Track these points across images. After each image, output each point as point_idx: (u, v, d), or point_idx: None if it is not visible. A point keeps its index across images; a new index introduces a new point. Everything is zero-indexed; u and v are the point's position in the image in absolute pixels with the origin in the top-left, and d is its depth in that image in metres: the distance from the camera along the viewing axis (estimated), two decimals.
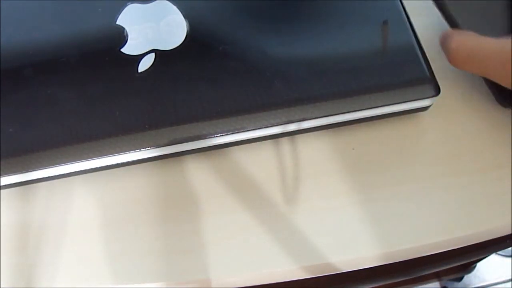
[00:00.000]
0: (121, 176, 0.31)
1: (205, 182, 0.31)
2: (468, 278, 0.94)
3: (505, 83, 0.27)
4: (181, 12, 0.32)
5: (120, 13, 0.32)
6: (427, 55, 0.32)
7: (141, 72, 0.30)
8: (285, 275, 0.29)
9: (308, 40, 0.32)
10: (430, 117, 0.34)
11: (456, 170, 0.32)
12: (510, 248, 0.94)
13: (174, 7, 0.32)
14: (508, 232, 0.31)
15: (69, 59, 0.31)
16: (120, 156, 0.29)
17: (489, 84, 0.34)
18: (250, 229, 0.30)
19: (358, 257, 0.29)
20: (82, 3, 0.33)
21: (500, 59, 0.26)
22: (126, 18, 0.32)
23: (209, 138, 0.30)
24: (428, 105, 0.32)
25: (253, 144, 0.32)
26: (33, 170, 0.29)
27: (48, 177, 0.30)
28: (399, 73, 0.31)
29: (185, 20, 0.32)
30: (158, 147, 0.29)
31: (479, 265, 0.93)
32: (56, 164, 0.29)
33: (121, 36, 0.31)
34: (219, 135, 0.30)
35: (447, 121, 0.34)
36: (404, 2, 0.34)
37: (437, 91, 0.31)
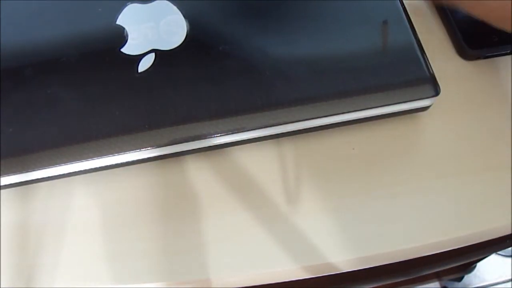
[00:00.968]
0: (121, 176, 0.31)
1: (205, 182, 0.31)
2: (468, 278, 0.94)
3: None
4: (181, 12, 0.32)
5: (120, 13, 0.32)
6: (427, 55, 0.32)
7: (141, 72, 0.30)
8: (285, 275, 0.29)
9: (308, 40, 0.32)
10: (430, 117, 0.34)
11: (456, 170, 0.32)
12: (510, 248, 0.94)
13: (174, 7, 0.32)
14: (508, 232, 0.31)
15: (69, 59, 0.31)
16: (120, 156, 0.29)
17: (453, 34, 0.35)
18: (250, 229, 0.30)
19: (358, 257, 0.29)
20: (82, 3, 0.32)
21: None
22: (126, 18, 0.32)
23: (209, 138, 0.30)
24: (428, 105, 0.32)
25: (253, 144, 0.32)
26: (33, 170, 0.29)
27: (48, 177, 0.30)
28: (399, 73, 0.31)
29: (185, 20, 0.32)
30: (158, 147, 0.29)
31: (479, 265, 0.93)
32: (56, 164, 0.29)
33: (121, 36, 0.31)
34: (219, 135, 0.30)
35: (447, 121, 0.34)
36: (405, 2, 0.34)
37: (437, 91, 0.31)
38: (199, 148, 0.31)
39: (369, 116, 0.32)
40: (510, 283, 0.96)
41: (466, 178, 0.32)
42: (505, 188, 0.31)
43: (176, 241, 0.30)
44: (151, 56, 0.31)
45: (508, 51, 0.36)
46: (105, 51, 0.31)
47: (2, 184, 0.29)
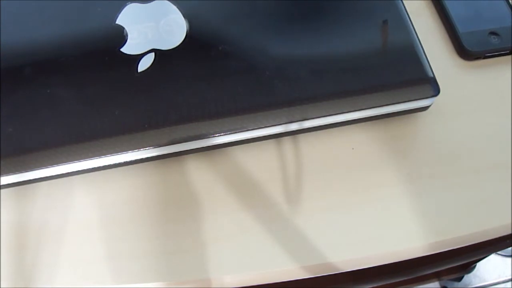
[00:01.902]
0: (121, 176, 0.31)
1: (205, 182, 0.31)
2: (468, 278, 0.94)
3: None
4: (181, 12, 0.32)
5: (119, 12, 0.32)
6: (427, 55, 0.32)
7: (141, 72, 0.30)
8: (285, 275, 0.29)
9: (308, 40, 0.32)
10: (430, 117, 0.34)
11: (455, 170, 0.32)
12: (510, 248, 0.94)
13: (174, 7, 0.32)
14: (508, 232, 0.31)
15: (69, 59, 0.31)
16: (120, 155, 0.29)
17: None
18: (250, 229, 0.30)
19: (358, 257, 0.29)
20: (82, 3, 0.32)
21: None
22: (126, 18, 0.32)
23: (209, 138, 0.30)
24: (427, 105, 0.32)
25: (253, 144, 0.32)
26: (33, 170, 0.29)
27: (48, 176, 0.30)
28: (399, 73, 0.31)
29: (185, 20, 0.32)
30: (158, 147, 0.29)
31: (479, 265, 0.93)
32: (56, 164, 0.29)
33: (120, 36, 0.31)
34: (219, 135, 0.30)
35: (447, 121, 0.34)
36: (405, 2, 0.34)
37: (437, 91, 0.31)
38: (199, 148, 0.31)
39: (369, 116, 0.32)
40: (510, 283, 0.96)
41: (466, 178, 0.32)
42: (505, 188, 0.31)
43: (176, 241, 0.29)
44: (151, 56, 0.31)
45: (508, 51, 0.36)
46: (105, 50, 0.31)
47: (2, 184, 0.29)
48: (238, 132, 0.30)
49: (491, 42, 0.36)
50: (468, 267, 0.79)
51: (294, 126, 0.31)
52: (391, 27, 0.32)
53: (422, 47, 0.32)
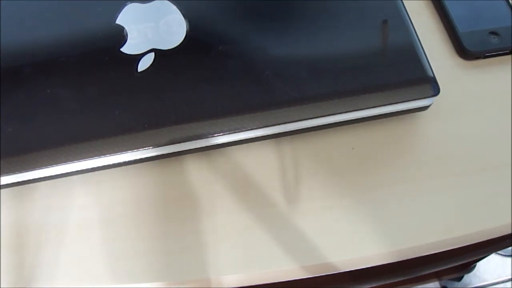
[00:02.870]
0: (121, 176, 0.31)
1: (205, 182, 0.31)
2: (468, 277, 0.94)
3: None
4: (181, 12, 0.32)
5: (119, 12, 0.32)
6: (427, 55, 0.32)
7: (141, 72, 0.30)
8: (285, 275, 0.29)
9: (308, 39, 0.32)
10: (430, 117, 0.34)
11: (456, 170, 0.32)
12: (510, 248, 0.94)
13: (174, 7, 0.32)
14: (508, 232, 0.31)
15: (69, 59, 0.31)
16: (120, 155, 0.29)
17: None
18: (250, 229, 0.30)
19: (358, 257, 0.29)
20: (82, 3, 0.32)
21: None
22: (126, 18, 0.32)
23: (209, 138, 0.30)
24: (427, 104, 0.32)
25: (252, 144, 0.32)
26: (33, 170, 0.29)
27: (48, 176, 0.30)
28: (399, 72, 0.31)
29: (185, 20, 0.32)
30: (158, 146, 0.29)
31: (479, 264, 0.93)
32: (56, 163, 0.29)
33: (120, 36, 0.31)
34: (218, 135, 0.30)
35: (447, 120, 0.34)
36: (405, 2, 0.34)
37: (437, 91, 0.31)
38: (198, 148, 0.31)
39: (369, 116, 0.32)
40: (510, 282, 0.96)
41: (466, 178, 0.32)
42: (505, 188, 0.31)
43: (176, 241, 0.29)
44: (151, 56, 0.31)
45: (508, 51, 0.36)
46: (105, 50, 0.31)
47: (2, 184, 0.29)
48: (238, 132, 0.30)
49: (491, 42, 0.36)
50: (468, 267, 0.79)
51: (293, 126, 0.31)
52: (391, 27, 0.32)
53: (422, 47, 0.32)
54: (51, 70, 0.30)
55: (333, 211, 0.30)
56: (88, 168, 0.30)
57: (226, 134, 0.30)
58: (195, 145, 0.30)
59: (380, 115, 0.32)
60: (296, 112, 0.30)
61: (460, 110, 0.34)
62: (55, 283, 0.28)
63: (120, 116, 0.29)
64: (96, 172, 0.31)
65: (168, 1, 0.33)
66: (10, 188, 0.31)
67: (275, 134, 0.31)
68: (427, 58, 0.32)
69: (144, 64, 0.31)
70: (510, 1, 0.38)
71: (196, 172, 0.32)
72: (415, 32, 0.32)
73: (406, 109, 0.32)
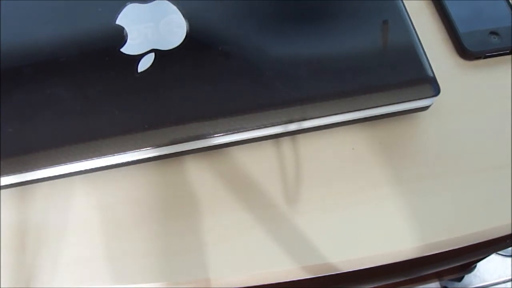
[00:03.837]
0: (121, 176, 0.31)
1: (205, 182, 0.31)
2: (468, 278, 0.94)
3: None
4: (181, 12, 0.32)
5: (119, 13, 0.32)
6: (427, 55, 0.32)
7: (141, 72, 0.30)
8: (285, 275, 0.29)
9: (308, 40, 0.32)
10: (430, 117, 0.34)
11: (455, 170, 0.32)
12: (510, 248, 0.94)
13: (174, 7, 0.32)
14: (508, 232, 0.31)
15: (69, 59, 0.31)
16: (120, 156, 0.29)
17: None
18: (250, 229, 0.30)
19: (358, 257, 0.29)
20: (82, 3, 0.32)
21: None
22: (126, 18, 0.32)
23: (209, 138, 0.30)
24: (428, 105, 0.32)
25: (253, 144, 0.32)
26: (33, 170, 0.29)
27: (48, 177, 0.30)
28: (399, 73, 0.31)
29: (185, 20, 0.32)
30: (158, 147, 0.29)
31: (479, 265, 0.93)
32: (56, 164, 0.29)
33: (120, 36, 0.31)
34: (219, 135, 0.30)
35: (447, 121, 0.34)
36: (405, 2, 0.34)
37: (437, 91, 0.31)
38: (199, 148, 0.31)
39: (369, 116, 0.32)
40: (510, 283, 0.96)
41: (466, 178, 0.32)
42: (505, 188, 0.31)
43: (176, 241, 0.29)
44: (151, 56, 0.31)
45: (508, 51, 0.36)
46: (105, 51, 0.31)
47: (2, 184, 0.29)
48: (238, 132, 0.30)
49: (491, 42, 0.36)
50: (469, 267, 0.79)
51: (294, 126, 0.31)
52: (391, 27, 0.32)
53: (422, 47, 0.32)
54: (51, 70, 0.30)
55: (333, 211, 0.30)
56: (88, 169, 0.30)
57: (226, 134, 0.30)
58: (195, 146, 0.30)
59: (381, 115, 0.32)
60: (296, 112, 0.30)
61: (460, 110, 0.34)
62: (55, 283, 0.28)
63: (120, 117, 0.29)
64: (96, 173, 0.31)
65: (168, 1, 0.33)
66: (10, 188, 0.31)
67: (275, 134, 0.31)
68: (427, 58, 0.32)
69: (144, 65, 0.31)
70: (510, 1, 0.38)
71: (196, 172, 0.32)
72: (415, 32, 0.32)
73: (407, 109, 0.32)
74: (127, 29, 0.32)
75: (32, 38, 0.31)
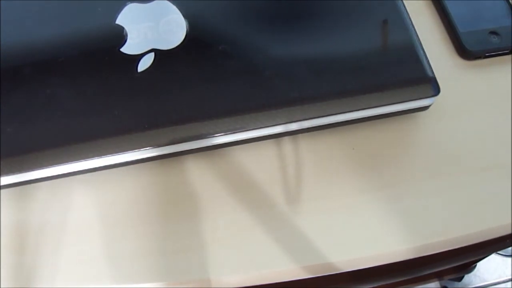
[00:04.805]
0: (121, 176, 0.31)
1: (205, 182, 0.31)
2: (468, 277, 0.94)
3: None
4: (181, 12, 0.32)
5: (119, 12, 0.32)
6: (427, 55, 0.32)
7: (141, 72, 0.30)
8: (285, 275, 0.29)
9: (308, 39, 0.32)
10: (430, 117, 0.34)
11: (455, 170, 0.32)
12: (510, 248, 0.94)
13: (174, 7, 0.32)
14: (508, 232, 0.31)
15: (69, 59, 0.31)
16: (120, 156, 0.29)
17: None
18: (250, 229, 0.30)
19: (358, 257, 0.29)
20: (82, 3, 0.32)
21: None
22: (126, 18, 0.32)
23: (209, 138, 0.30)
24: (428, 104, 0.32)
25: (253, 144, 0.32)
26: (33, 170, 0.29)
27: (48, 177, 0.30)
28: (399, 72, 0.31)
29: (185, 20, 0.32)
30: (158, 147, 0.29)
31: (479, 264, 0.93)
32: (56, 164, 0.29)
33: (120, 36, 0.31)
34: (219, 135, 0.30)
35: (447, 121, 0.34)
36: (405, 2, 0.34)
37: (437, 91, 0.31)
38: (199, 148, 0.31)
39: (369, 116, 0.32)
40: (510, 283, 0.96)
41: (466, 178, 0.32)
42: (504, 188, 0.31)
43: (176, 241, 0.29)
44: (151, 56, 0.31)
45: (508, 51, 0.36)
46: (105, 50, 0.31)
47: (2, 184, 0.29)
48: (238, 132, 0.30)
49: (491, 42, 0.36)
50: (469, 267, 0.79)
51: (294, 126, 0.31)
52: (391, 27, 0.32)
53: (422, 47, 0.32)
54: (51, 70, 0.30)
55: (333, 211, 0.30)
56: (88, 169, 0.30)
57: (227, 134, 0.30)
58: (195, 145, 0.30)
59: (381, 115, 0.32)
60: (296, 112, 0.30)
61: (460, 110, 0.34)
62: (55, 283, 0.28)
63: (120, 116, 0.29)
64: (96, 172, 0.31)
65: (168, 1, 0.33)
66: (10, 188, 0.31)
67: (275, 134, 0.31)
68: (427, 58, 0.32)
69: (144, 64, 0.31)
70: (511, 1, 0.38)
71: (196, 172, 0.32)
72: (415, 32, 0.32)
73: (406, 109, 0.32)
74: (127, 28, 0.32)
75: (32, 38, 0.31)
